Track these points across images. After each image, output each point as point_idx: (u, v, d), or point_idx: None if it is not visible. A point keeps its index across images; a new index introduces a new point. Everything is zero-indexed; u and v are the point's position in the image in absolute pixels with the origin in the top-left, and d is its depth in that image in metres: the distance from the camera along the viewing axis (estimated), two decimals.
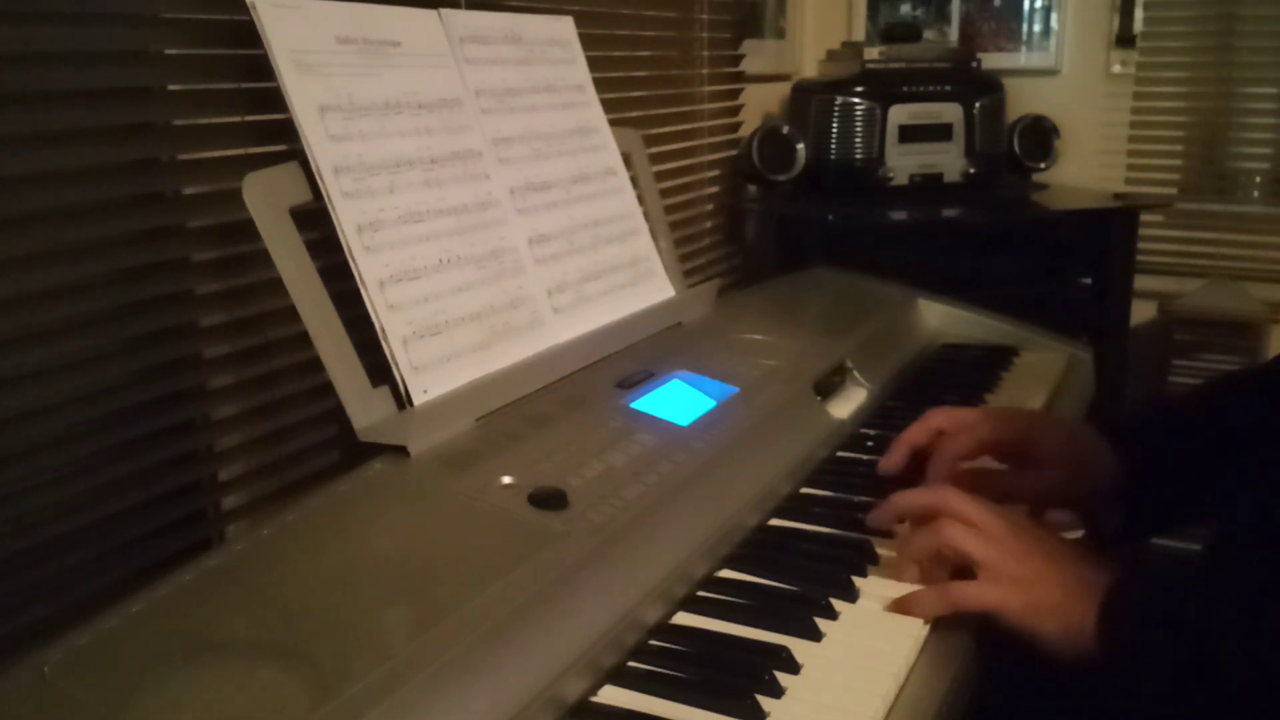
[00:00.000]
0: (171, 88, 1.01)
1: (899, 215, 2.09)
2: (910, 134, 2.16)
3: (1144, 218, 2.23)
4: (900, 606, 0.74)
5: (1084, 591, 0.72)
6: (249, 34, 0.85)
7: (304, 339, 0.81)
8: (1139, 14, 2.41)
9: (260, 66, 0.87)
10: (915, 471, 0.92)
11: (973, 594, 0.74)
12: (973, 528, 0.76)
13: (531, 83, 1.11)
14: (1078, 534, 0.95)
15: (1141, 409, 1.38)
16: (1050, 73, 2.48)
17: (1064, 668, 0.71)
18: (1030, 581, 0.73)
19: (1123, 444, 0.94)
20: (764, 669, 0.66)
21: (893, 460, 0.93)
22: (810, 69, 2.46)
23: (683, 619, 0.73)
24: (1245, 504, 0.82)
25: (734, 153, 2.18)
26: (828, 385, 1.10)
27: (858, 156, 2.16)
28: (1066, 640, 0.71)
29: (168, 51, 1.00)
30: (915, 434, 0.94)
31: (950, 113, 2.18)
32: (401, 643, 0.58)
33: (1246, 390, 0.98)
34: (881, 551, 0.81)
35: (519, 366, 0.95)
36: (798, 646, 0.69)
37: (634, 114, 1.73)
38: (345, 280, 0.84)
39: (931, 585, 0.75)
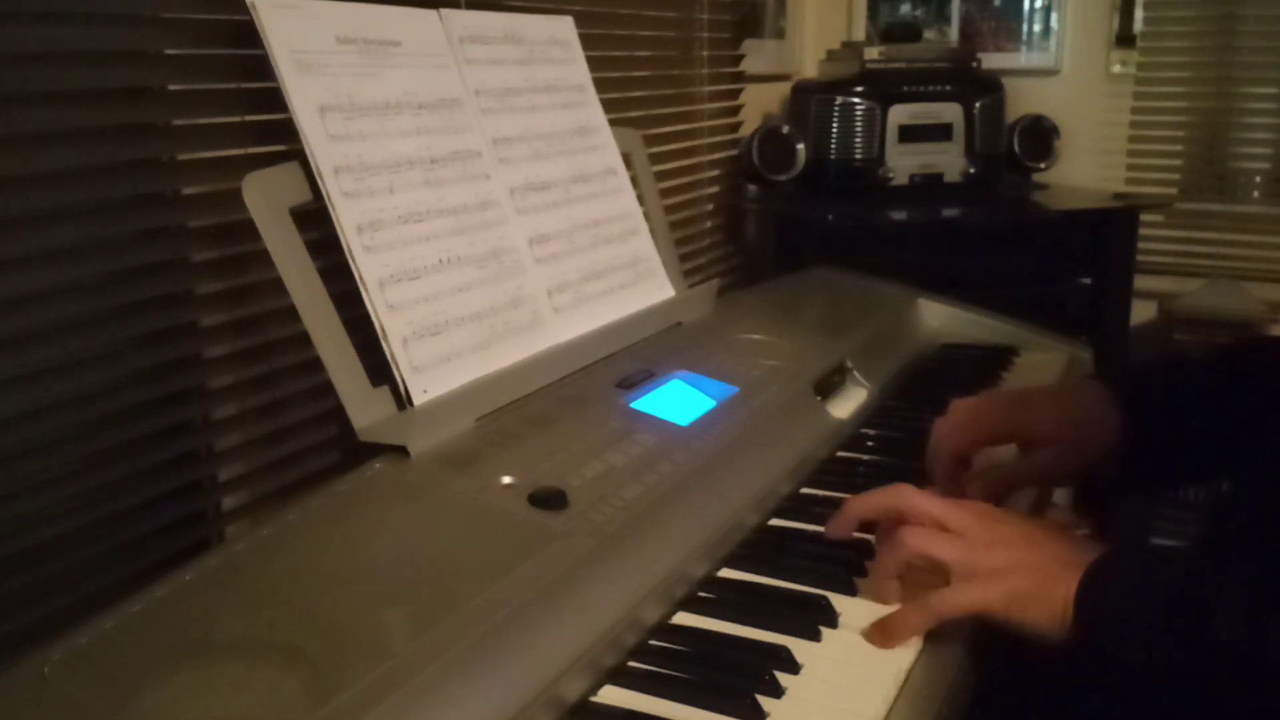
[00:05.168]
0: (171, 88, 1.01)
1: (899, 215, 2.09)
2: (910, 134, 2.16)
3: (1144, 218, 2.23)
4: (883, 630, 0.71)
5: (1062, 573, 0.70)
6: (249, 34, 0.85)
7: (304, 339, 0.81)
8: (1139, 14, 2.41)
9: (260, 66, 0.87)
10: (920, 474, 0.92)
11: (952, 600, 0.71)
12: (936, 526, 0.74)
13: (531, 83, 1.11)
14: (1085, 532, 0.95)
15: (1152, 364, 1.36)
16: (1050, 73, 2.48)
17: (1053, 652, 0.69)
18: (1005, 572, 0.71)
19: (1129, 397, 0.92)
20: (764, 669, 0.66)
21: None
22: (810, 69, 2.46)
23: (683, 619, 0.73)
24: (1251, 467, 0.80)
25: (734, 153, 2.18)
26: (828, 385, 1.10)
27: (858, 156, 2.16)
28: (1052, 625, 0.69)
29: (168, 51, 1.00)
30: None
31: (950, 113, 2.17)
32: (401, 643, 0.58)
33: (1266, 352, 0.97)
34: None
35: (519, 366, 0.95)
36: (798, 646, 0.69)
37: (634, 114, 1.73)
38: (345, 280, 0.84)
39: (910, 602, 0.73)
